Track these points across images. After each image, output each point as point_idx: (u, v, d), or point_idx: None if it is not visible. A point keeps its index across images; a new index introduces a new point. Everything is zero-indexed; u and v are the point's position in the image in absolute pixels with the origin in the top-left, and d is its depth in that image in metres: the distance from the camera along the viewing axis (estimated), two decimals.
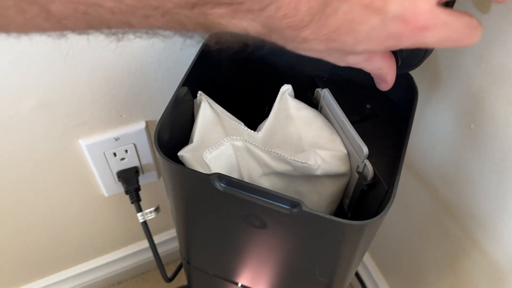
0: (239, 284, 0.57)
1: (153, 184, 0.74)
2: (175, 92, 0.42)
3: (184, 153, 0.42)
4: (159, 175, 0.73)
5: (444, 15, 0.26)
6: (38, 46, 0.45)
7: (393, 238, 0.78)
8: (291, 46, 0.27)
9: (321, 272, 0.44)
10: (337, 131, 0.45)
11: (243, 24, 0.24)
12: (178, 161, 0.42)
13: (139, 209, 0.65)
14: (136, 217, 0.81)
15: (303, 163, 0.41)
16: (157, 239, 0.91)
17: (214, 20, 0.23)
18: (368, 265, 0.89)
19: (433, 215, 0.65)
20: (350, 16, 0.24)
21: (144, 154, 0.66)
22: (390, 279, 0.85)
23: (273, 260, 0.47)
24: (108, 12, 0.21)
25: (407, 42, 0.26)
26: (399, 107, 0.46)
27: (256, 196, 0.38)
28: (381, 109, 0.47)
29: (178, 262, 0.73)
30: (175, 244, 0.93)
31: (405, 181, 0.68)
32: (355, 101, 0.46)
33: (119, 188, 0.70)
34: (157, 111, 0.61)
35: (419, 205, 0.67)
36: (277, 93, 0.45)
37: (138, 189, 0.67)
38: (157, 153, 0.39)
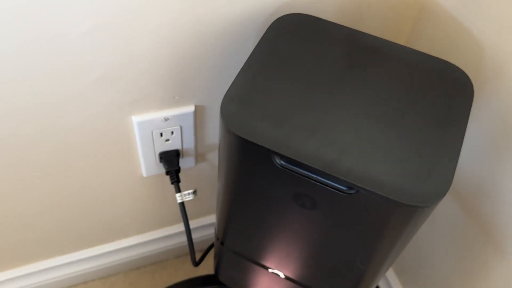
0: (270, 270, 0.59)
1: (190, 170, 0.77)
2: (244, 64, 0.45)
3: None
4: (196, 161, 0.76)
5: None
6: (115, 17, 0.48)
7: (414, 247, 0.80)
8: None
9: (363, 259, 0.46)
10: None
11: None
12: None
13: (178, 190, 0.67)
14: (166, 202, 0.84)
15: None
16: (180, 227, 0.93)
17: None
18: (387, 274, 0.90)
19: (456, 222, 0.66)
20: None
21: (187, 138, 0.69)
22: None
23: (314, 245, 0.49)
24: None
25: None
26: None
27: (313, 175, 0.40)
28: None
29: (201, 253, 0.75)
30: (200, 234, 0.95)
31: None
32: None
33: (158, 169, 0.72)
34: (207, 97, 0.64)
35: (443, 212, 0.69)
36: None
37: (178, 170, 0.69)
38: (220, 119, 0.41)
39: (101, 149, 0.66)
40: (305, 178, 0.40)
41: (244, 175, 0.45)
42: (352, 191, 0.39)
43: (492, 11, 0.51)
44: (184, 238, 0.96)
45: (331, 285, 0.54)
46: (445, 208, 0.69)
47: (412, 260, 0.82)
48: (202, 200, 0.87)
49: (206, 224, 0.94)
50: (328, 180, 0.39)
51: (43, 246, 0.85)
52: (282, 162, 0.40)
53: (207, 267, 0.97)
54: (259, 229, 0.52)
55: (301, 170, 0.40)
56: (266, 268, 0.59)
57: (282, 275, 0.59)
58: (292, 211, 0.46)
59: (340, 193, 0.39)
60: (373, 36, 0.49)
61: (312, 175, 0.40)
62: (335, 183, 0.39)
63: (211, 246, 0.78)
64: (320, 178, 0.40)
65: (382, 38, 0.49)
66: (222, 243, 0.61)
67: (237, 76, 0.45)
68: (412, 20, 0.64)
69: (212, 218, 0.95)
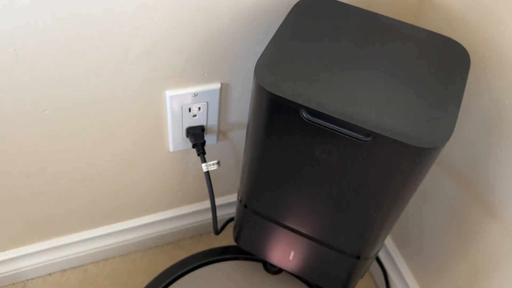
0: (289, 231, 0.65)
1: (211, 147, 0.83)
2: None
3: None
4: (218, 139, 0.82)
5: None
6: None
7: (414, 221, 0.86)
8: None
9: (375, 206, 0.53)
10: None
11: None
12: None
13: (204, 160, 0.74)
14: (189, 179, 0.90)
15: None
16: (203, 205, 1.00)
17: None
18: (389, 247, 0.96)
19: (452, 195, 0.73)
20: None
21: (211, 114, 0.75)
22: (410, 260, 0.92)
23: (333, 198, 0.56)
24: None
25: None
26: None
27: (336, 126, 0.47)
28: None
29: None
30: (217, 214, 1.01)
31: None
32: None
33: (184, 144, 0.79)
34: (232, 76, 0.71)
35: (439, 188, 0.75)
36: None
37: (204, 143, 0.76)
38: (254, 79, 0.48)
39: (134, 122, 0.73)
40: (328, 129, 0.47)
41: (273, 131, 0.52)
42: (369, 138, 0.46)
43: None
44: (199, 218, 1.03)
45: (346, 238, 0.61)
46: (442, 183, 0.76)
47: (411, 232, 0.89)
48: (223, 178, 0.94)
49: (226, 203, 1.00)
50: (348, 130, 0.46)
51: (69, 220, 0.90)
52: (308, 115, 0.47)
53: (222, 244, 1.03)
54: (283, 185, 0.59)
55: (325, 122, 0.47)
56: (286, 227, 0.66)
57: (301, 235, 0.65)
58: (315, 164, 0.52)
59: (359, 141, 0.46)
60: (385, 16, 0.57)
61: (335, 126, 0.47)
62: (355, 132, 0.46)
63: (231, 219, 0.85)
64: (341, 128, 0.47)
65: (392, 18, 0.57)
66: (245, 206, 0.68)
67: (267, 46, 0.52)
68: (417, 2, 0.72)
69: (229, 198, 1.01)
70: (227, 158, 0.88)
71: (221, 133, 0.82)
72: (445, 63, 0.52)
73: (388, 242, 0.97)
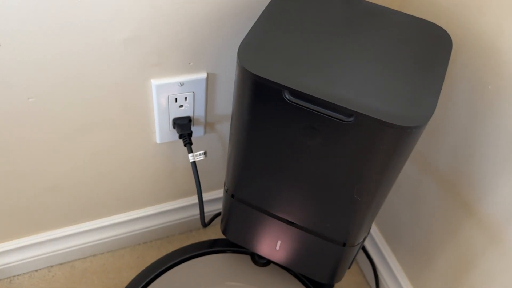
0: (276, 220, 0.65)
1: (199, 139, 0.83)
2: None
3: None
4: (205, 131, 0.82)
5: None
6: None
7: (401, 216, 0.86)
8: None
9: (359, 190, 0.53)
10: None
11: None
12: None
13: (191, 151, 0.74)
14: (176, 172, 0.90)
15: None
16: (192, 200, 0.99)
17: None
18: (376, 238, 0.96)
19: (431, 191, 0.73)
20: None
21: (198, 105, 0.75)
22: (398, 253, 0.92)
23: (318, 182, 0.56)
24: None
25: None
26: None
27: (318, 107, 0.47)
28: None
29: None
30: (205, 209, 1.01)
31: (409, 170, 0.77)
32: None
33: (171, 136, 0.79)
34: (218, 65, 0.71)
35: (423, 186, 0.76)
36: None
37: (190, 134, 0.75)
38: (237, 61, 0.48)
39: (120, 113, 0.72)
40: (311, 110, 0.47)
41: (257, 113, 0.52)
42: (351, 119, 0.46)
43: None
44: (188, 213, 1.02)
45: (332, 224, 0.61)
46: (426, 182, 0.76)
47: (399, 227, 0.89)
48: (209, 172, 0.93)
49: (213, 198, 1.00)
50: (331, 110, 0.46)
51: (55, 215, 0.89)
52: (290, 97, 0.47)
53: (213, 237, 1.02)
54: (268, 171, 0.59)
55: (308, 103, 0.47)
56: (272, 215, 0.65)
57: (287, 223, 0.65)
58: (299, 147, 0.52)
59: (342, 121, 0.46)
60: (369, 2, 0.57)
61: (318, 107, 0.47)
62: (337, 112, 0.46)
63: (218, 214, 0.85)
64: (324, 109, 0.47)
65: (376, 3, 0.57)
66: (232, 196, 0.67)
67: (250, 29, 0.52)
68: None
69: (217, 193, 1.01)
70: (215, 151, 0.88)
71: (209, 125, 0.82)
72: (427, 46, 0.52)
73: (377, 236, 0.97)
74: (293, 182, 0.58)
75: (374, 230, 0.98)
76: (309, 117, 0.48)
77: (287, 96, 0.47)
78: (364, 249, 0.94)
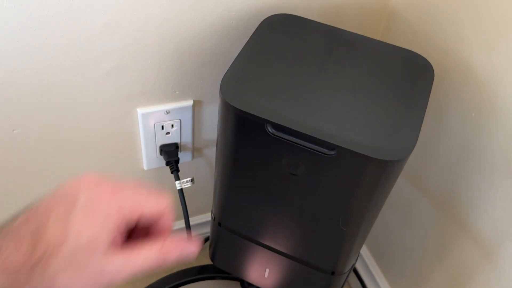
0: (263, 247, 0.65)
1: (186, 164, 0.83)
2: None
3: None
4: (193, 156, 0.82)
5: (121, 258, 0.29)
6: (125, 14, 0.56)
7: (392, 236, 0.86)
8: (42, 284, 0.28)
9: (345, 221, 0.52)
10: None
11: None
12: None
13: (178, 178, 0.73)
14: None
15: None
16: (181, 223, 0.98)
17: None
18: (367, 261, 0.96)
19: (428, 213, 0.73)
20: (59, 220, 0.28)
21: (185, 131, 0.75)
22: (388, 275, 0.91)
23: (303, 212, 0.55)
24: None
25: (113, 203, 0.30)
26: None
27: (301, 140, 0.47)
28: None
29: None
30: (196, 233, 1.00)
31: (402, 186, 0.77)
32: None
33: (158, 162, 0.78)
34: (204, 93, 0.71)
35: (416, 205, 0.76)
36: None
37: (177, 161, 0.75)
38: (220, 94, 0.48)
39: (106, 141, 0.72)
40: (293, 144, 0.47)
41: (241, 146, 0.52)
42: (333, 152, 0.46)
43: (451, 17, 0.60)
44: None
45: (319, 254, 0.60)
46: (419, 201, 0.76)
47: (389, 247, 0.88)
48: (198, 196, 0.93)
49: (201, 222, 0.99)
50: (313, 143, 0.46)
51: None
52: (273, 130, 0.47)
53: (202, 261, 1.01)
54: (254, 201, 0.58)
55: (290, 137, 0.47)
56: (259, 243, 0.65)
57: (275, 251, 0.64)
58: (284, 179, 0.52)
59: (324, 155, 0.46)
60: (350, 32, 0.58)
61: (300, 140, 0.47)
62: (319, 145, 0.46)
63: (207, 239, 0.84)
64: (306, 142, 0.47)
65: (358, 34, 0.58)
66: (219, 224, 0.67)
67: (233, 62, 0.52)
68: (384, 20, 0.73)
69: (207, 217, 1.00)
70: (203, 175, 0.88)
71: (196, 150, 0.82)
72: (409, 76, 0.53)
73: (368, 257, 0.97)
74: (279, 212, 0.58)
75: (365, 252, 0.98)
76: (292, 150, 0.48)
77: (270, 129, 0.47)
78: (355, 272, 0.93)
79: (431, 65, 0.54)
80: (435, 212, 0.73)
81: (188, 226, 0.75)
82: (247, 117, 0.47)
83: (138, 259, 0.30)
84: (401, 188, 0.80)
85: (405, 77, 0.52)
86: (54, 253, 0.27)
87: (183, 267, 0.92)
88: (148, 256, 0.30)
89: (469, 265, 0.68)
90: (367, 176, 0.46)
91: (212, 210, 0.68)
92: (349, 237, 0.55)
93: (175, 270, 1.03)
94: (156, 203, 0.32)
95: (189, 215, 0.97)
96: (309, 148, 0.47)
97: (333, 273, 0.63)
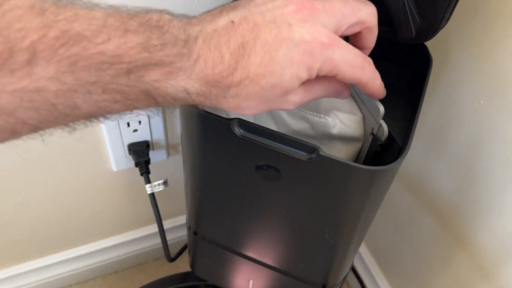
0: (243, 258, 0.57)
1: (162, 163, 0.75)
2: None
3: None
4: (168, 153, 0.74)
5: (343, 41, 0.30)
6: None
7: (394, 245, 0.79)
8: (231, 102, 0.30)
9: (330, 232, 0.45)
10: (352, 95, 0.46)
11: (181, 84, 0.27)
12: None
13: (148, 181, 0.65)
14: (140, 199, 0.82)
15: (321, 117, 0.42)
16: (152, 228, 0.91)
17: (153, 84, 0.26)
18: (367, 261, 0.89)
19: (425, 223, 0.65)
20: (267, 49, 0.28)
21: (156, 128, 0.67)
22: (389, 276, 0.85)
23: (282, 221, 0.48)
24: (53, 96, 0.23)
25: (320, 56, 0.29)
26: (415, 77, 0.48)
27: (273, 142, 0.38)
28: (396, 79, 0.48)
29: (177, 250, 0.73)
30: (177, 235, 0.93)
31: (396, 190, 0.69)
32: None
33: (128, 163, 0.70)
34: None
35: (408, 211, 0.68)
36: None
37: (148, 162, 0.67)
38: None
39: (69, 143, 0.64)
40: (266, 146, 0.39)
41: (207, 150, 0.44)
42: (312, 155, 0.37)
43: None
44: (159, 240, 0.94)
45: (306, 266, 0.53)
46: (421, 211, 0.68)
47: (390, 250, 0.81)
48: (177, 197, 0.85)
49: (180, 224, 0.92)
50: (289, 146, 0.38)
51: (12, 250, 0.82)
52: (241, 130, 0.39)
53: (187, 267, 0.94)
54: (228, 209, 0.51)
55: (261, 138, 0.39)
56: (240, 254, 0.57)
57: (258, 263, 0.57)
58: (258, 185, 0.44)
59: (302, 159, 0.38)
60: None
61: (273, 142, 0.38)
62: (297, 148, 0.38)
63: (187, 245, 0.76)
64: (280, 144, 0.38)
65: None
66: (195, 233, 0.59)
67: None
68: None
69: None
70: (181, 174, 0.80)
71: (172, 147, 0.74)
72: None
73: (368, 257, 0.90)
74: (259, 221, 0.50)
75: (365, 252, 0.90)
76: (264, 153, 0.40)
77: (237, 129, 0.39)
78: (355, 272, 0.86)
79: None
80: (435, 223, 0.65)
81: (162, 232, 0.67)
82: (211, 117, 0.39)
83: (316, 93, 0.33)
84: (400, 193, 0.72)
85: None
86: (252, 83, 0.28)
87: (165, 275, 0.85)
88: (325, 92, 0.34)
89: (469, 279, 0.61)
90: (353, 183, 0.38)
91: (186, 218, 0.61)
92: (339, 249, 0.47)
93: (157, 278, 0.97)
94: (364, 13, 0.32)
95: (168, 217, 0.90)
96: (283, 151, 0.38)
97: (324, 286, 0.56)
